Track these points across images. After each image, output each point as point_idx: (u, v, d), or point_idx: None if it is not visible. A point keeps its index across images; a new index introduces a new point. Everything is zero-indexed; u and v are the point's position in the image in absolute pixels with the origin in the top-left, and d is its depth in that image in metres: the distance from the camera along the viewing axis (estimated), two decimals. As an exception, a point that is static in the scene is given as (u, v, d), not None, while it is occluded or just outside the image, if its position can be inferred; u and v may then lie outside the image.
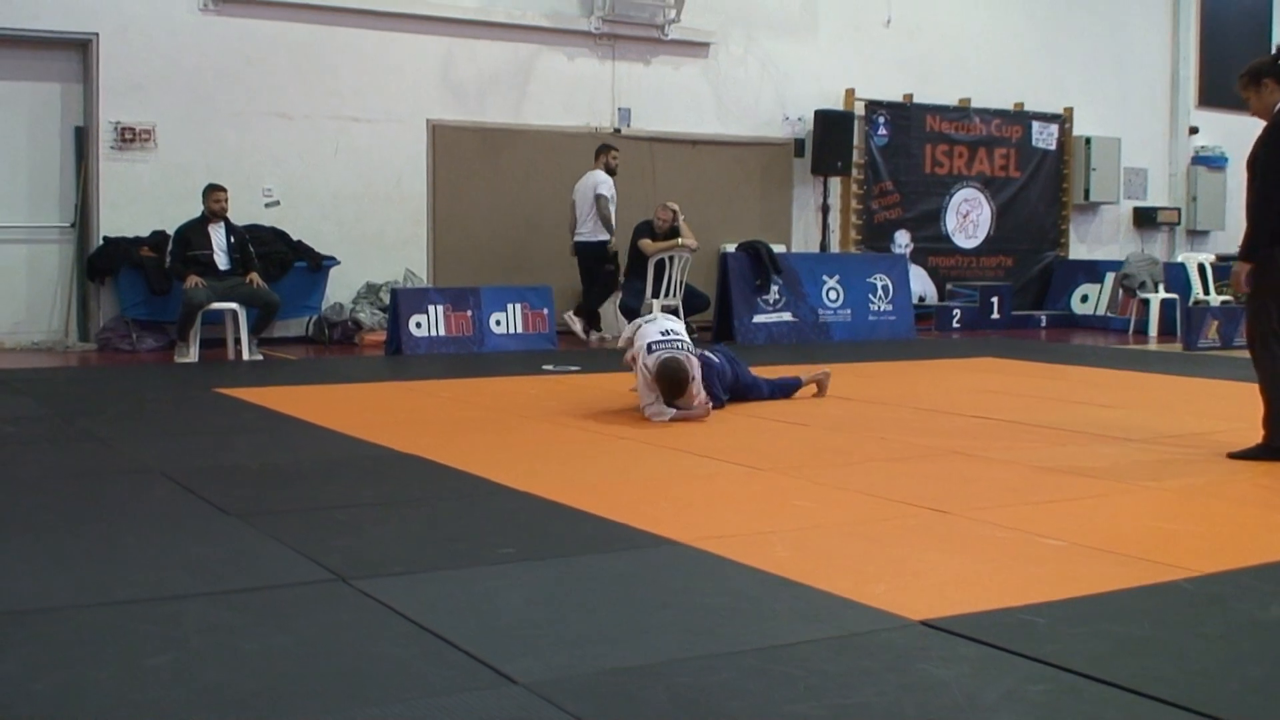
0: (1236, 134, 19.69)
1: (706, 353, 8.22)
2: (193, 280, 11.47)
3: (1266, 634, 3.67)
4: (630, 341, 8.04)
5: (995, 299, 16.59)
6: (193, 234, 11.75)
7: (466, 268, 14.27)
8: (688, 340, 7.91)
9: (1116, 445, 6.96)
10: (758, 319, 14.03)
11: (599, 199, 13.72)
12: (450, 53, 14.37)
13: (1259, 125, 6.45)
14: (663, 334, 7.77)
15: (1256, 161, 6.34)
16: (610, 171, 13.95)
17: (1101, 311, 17.07)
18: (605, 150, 14.14)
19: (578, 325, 13.89)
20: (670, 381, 7.49)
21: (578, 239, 13.96)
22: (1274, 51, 6.51)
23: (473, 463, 6.17)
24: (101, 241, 12.66)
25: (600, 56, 15.23)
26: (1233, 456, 6.43)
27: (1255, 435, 6.53)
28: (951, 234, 17.66)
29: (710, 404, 7.80)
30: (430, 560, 4.37)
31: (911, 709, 3.00)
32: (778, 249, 14.78)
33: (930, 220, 17.43)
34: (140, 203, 12.81)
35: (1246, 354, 12.54)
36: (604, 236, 13.79)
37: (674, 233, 13.47)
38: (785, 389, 8.74)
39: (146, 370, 10.97)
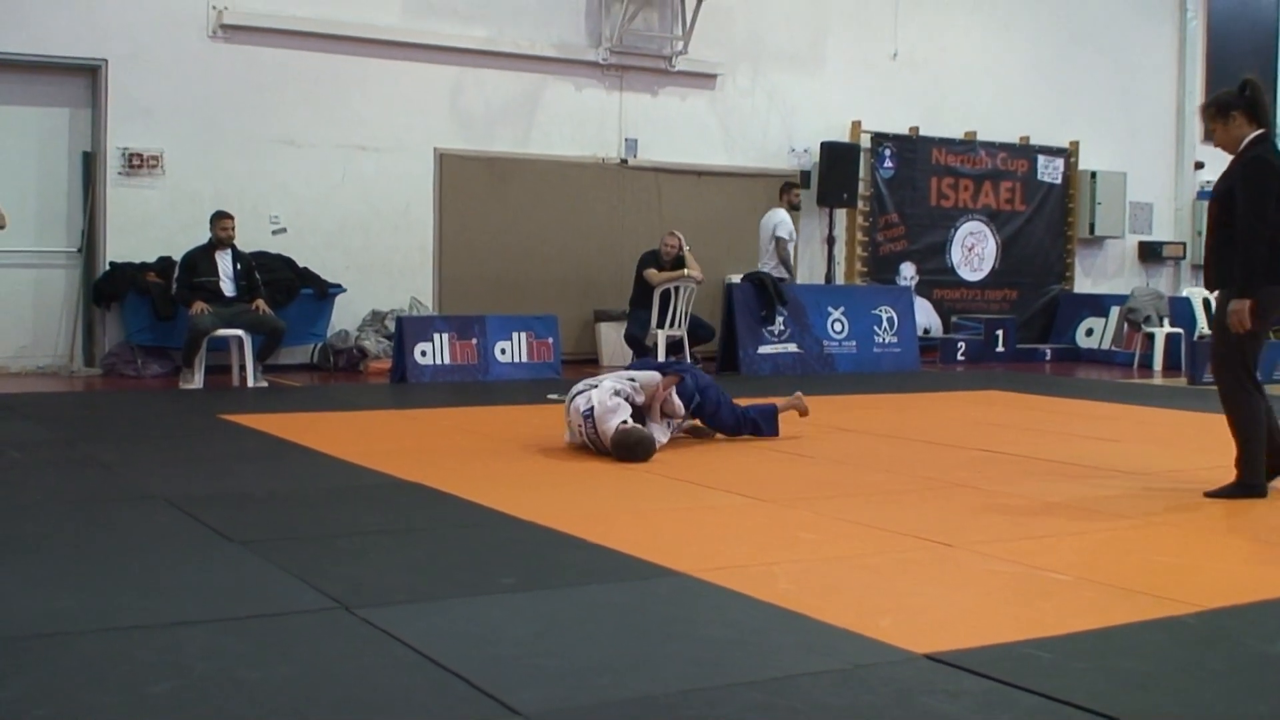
0: (1242, 169, 19.75)
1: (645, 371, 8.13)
2: (198, 306, 11.48)
3: (1272, 670, 3.66)
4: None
5: (1000, 332, 16.58)
6: (199, 260, 11.77)
7: (472, 296, 14.28)
8: (600, 385, 7.67)
9: (1121, 479, 6.94)
10: (763, 350, 14.02)
11: (777, 240, 14.31)
12: (458, 82, 14.42)
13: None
14: (585, 403, 7.56)
15: (1227, 198, 6.26)
16: (793, 208, 14.62)
17: (1106, 345, 17.06)
18: (788, 189, 14.80)
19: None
20: (628, 451, 7.32)
21: (762, 271, 14.59)
22: (1240, 85, 6.39)
23: (476, 491, 6.16)
24: (108, 267, 12.68)
25: (608, 87, 15.28)
26: (1209, 495, 6.34)
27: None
28: (957, 267, 17.66)
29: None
30: (433, 589, 4.36)
31: (915, 743, 2.99)
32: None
33: (935, 253, 17.44)
34: (147, 228, 12.83)
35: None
36: (783, 275, 14.37)
37: (680, 262, 13.48)
38: (768, 418, 8.44)
39: (151, 396, 10.97)
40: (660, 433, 7.68)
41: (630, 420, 7.39)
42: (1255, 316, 6.16)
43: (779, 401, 8.69)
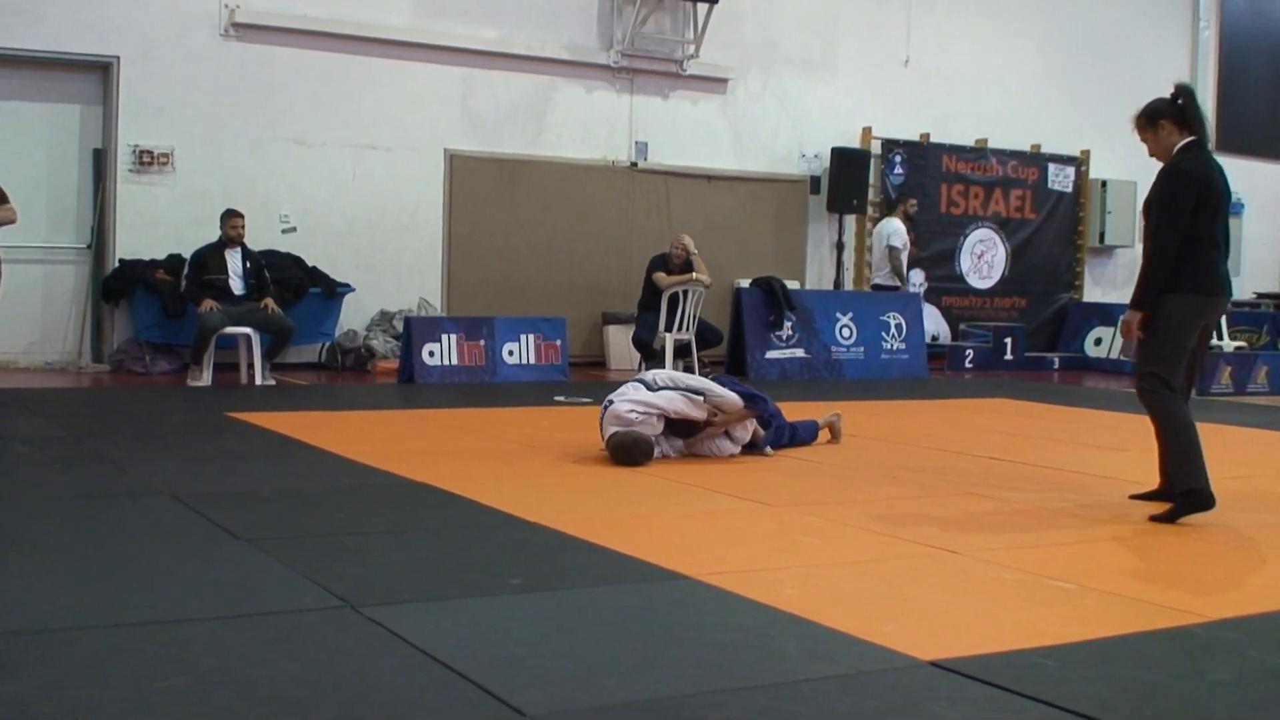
0: (1252, 180, 19.73)
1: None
2: (208, 304, 11.50)
3: (1277, 681, 3.65)
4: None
5: (1009, 340, 16.57)
6: (209, 258, 11.79)
7: (480, 297, 14.30)
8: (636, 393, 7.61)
9: (1127, 489, 6.93)
10: (770, 355, 14.03)
11: (890, 250, 14.76)
12: (469, 83, 14.44)
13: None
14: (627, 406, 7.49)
15: (1150, 207, 6.18)
16: (907, 219, 14.97)
17: (1115, 355, 17.04)
18: (903, 199, 15.34)
19: None
20: (624, 455, 7.30)
21: (874, 281, 15.16)
22: (1173, 93, 6.25)
23: (483, 492, 6.17)
24: (117, 264, 12.70)
25: (618, 90, 15.29)
26: (1154, 519, 5.99)
27: (1264, 482, 6.51)
28: (966, 274, 17.65)
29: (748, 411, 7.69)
30: (439, 589, 4.37)
31: (919, 750, 2.99)
32: (792, 285, 14.79)
33: (945, 260, 17.43)
34: (157, 226, 12.86)
35: (1260, 400, 12.56)
36: (895, 283, 14.79)
37: (689, 266, 13.48)
38: (807, 434, 8.37)
39: (159, 393, 10.99)
40: (714, 446, 7.65)
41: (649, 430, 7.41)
42: (1150, 328, 6.05)
43: (819, 418, 8.55)
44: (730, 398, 7.58)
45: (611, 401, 7.50)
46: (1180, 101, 6.21)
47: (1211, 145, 6.36)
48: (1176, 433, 6.07)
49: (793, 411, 8.77)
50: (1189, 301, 6.04)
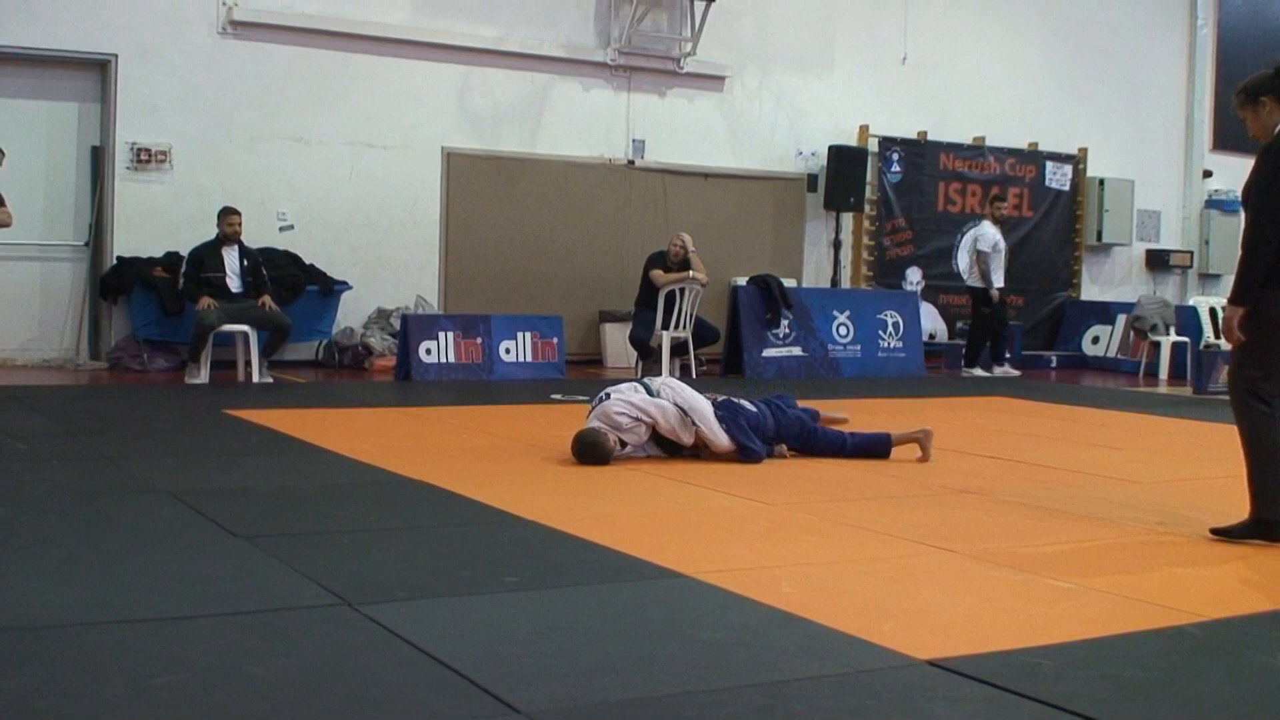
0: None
1: (734, 399, 7.72)
2: (205, 302, 11.50)
3: (1274, 681, 3.66)
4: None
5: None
6: (206, 256, 11.79)
7: (478, 295, 14.30)
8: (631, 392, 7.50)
9: (1125, 488, 6.94)
10: (767, 353, 14.03)
11: (978, 254, 15.01)
12: (466, 81, 14.44)
13: None
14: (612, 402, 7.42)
15: (1250, 192, 5.61)
16: (997, 221, 15.15)
17: (1112, 353, 17.05)
18: (992, 201, 15.57)
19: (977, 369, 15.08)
20: (582, 451, 7.24)
21: (967, 283, 15.47)
22: (1276, 68, 5.63)
23: (479, 490, 6.17)
24: (115, 261, 12.70)
25: (615, 88, 15.29)
26: (1215, 534, 5.63)
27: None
28: (963, 272, 17.64)
29: (727, 446, 7.40)
30: (436, 586, 4.37)
31: (916, 748, 2.99)
32: (789, 283, 14.79)
33: (942, 258, 17.43)
34: (154, 223, 12.85)
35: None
36: (983, 285, 14.98)
37: (686, 264, 13.48)
38: (873, 447, 7.79)
39: (157, 390, 10.99)
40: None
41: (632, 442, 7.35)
42: (1249, 327, 5.48)
43: (895, 432, 7.95)
44: (720, 441, 7.35)
45: (608, 395, 7.48)
46: None
47: None
48: (1259, 457, 5.52)
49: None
50: None
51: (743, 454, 7.39)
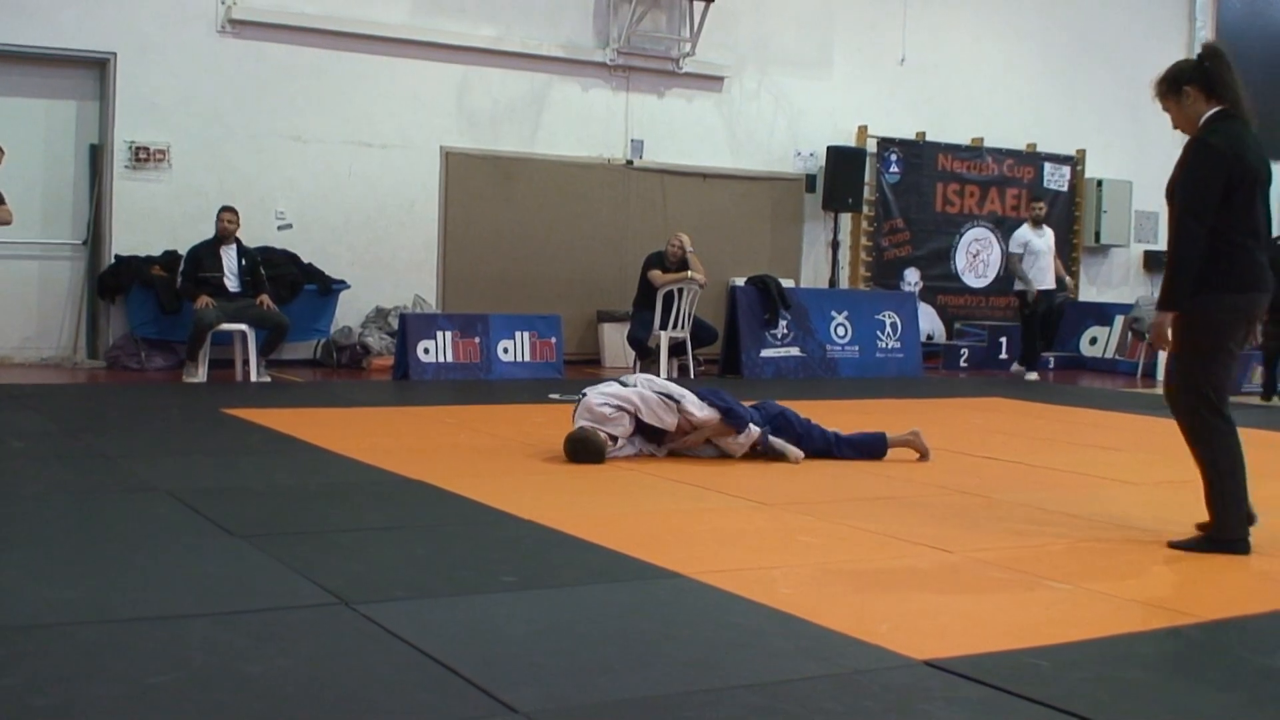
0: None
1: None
2: (203, 301, 11.49)
3: (1272, 682, 3.66)
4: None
5: (1004, 339, 16.57)
6: (204, 255, 11.79)
7: (476, 295, 14.30)
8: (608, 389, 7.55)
9: (1122, 489, 6.94)
10: (765, 353, 14.03)
11: (1010, 255, 15.16)
12: (465, 81, 14.44)
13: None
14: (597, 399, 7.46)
15: (1174, 189, 5.34)
16: (1035, 223, 15.14)
17: (1110, 354, 17.05)
18: (1030, 204, 15.67)
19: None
20: (575, 450, 7.25)
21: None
22: (1199, 55, 5.39)
23: (477, 490, 6.17)
24: (113, 260, 12.70)
25: (614, 88, 15.29)
26: (1173, 546, 5.41)
27: (1257, 483, 6.46)
28: (961, 273, 17.66)
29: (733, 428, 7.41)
30: (433, 586, 4.37)
31: (913, 748, 2.99)
32: (787, 284, 14.79)
33: (940, 259, 17.44)
34: (153, 222, 12.85)
35: (1252, 400, 12.55)
36: (1020, 287, 15.09)
37: (685, 264, 13.48)
38: (868, 446, 7.76)
39: (155, 389, 10.99)
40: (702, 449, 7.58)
41: (616, 433, 7.35)
42: (1189, 334, 5.25)
43: (890, 434, 7.86)
44: (704, 414, 7.35)
45: (585, 394, 7.52)
46: (1208, 64, 5.34)
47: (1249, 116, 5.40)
48: (1221, 476, 5.33)
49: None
50: (1228, 301, 5.24)
51: (729, 418, 7.38)
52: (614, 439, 7.32)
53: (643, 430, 7.45)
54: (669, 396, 7.42)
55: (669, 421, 7.40)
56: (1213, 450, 5.34)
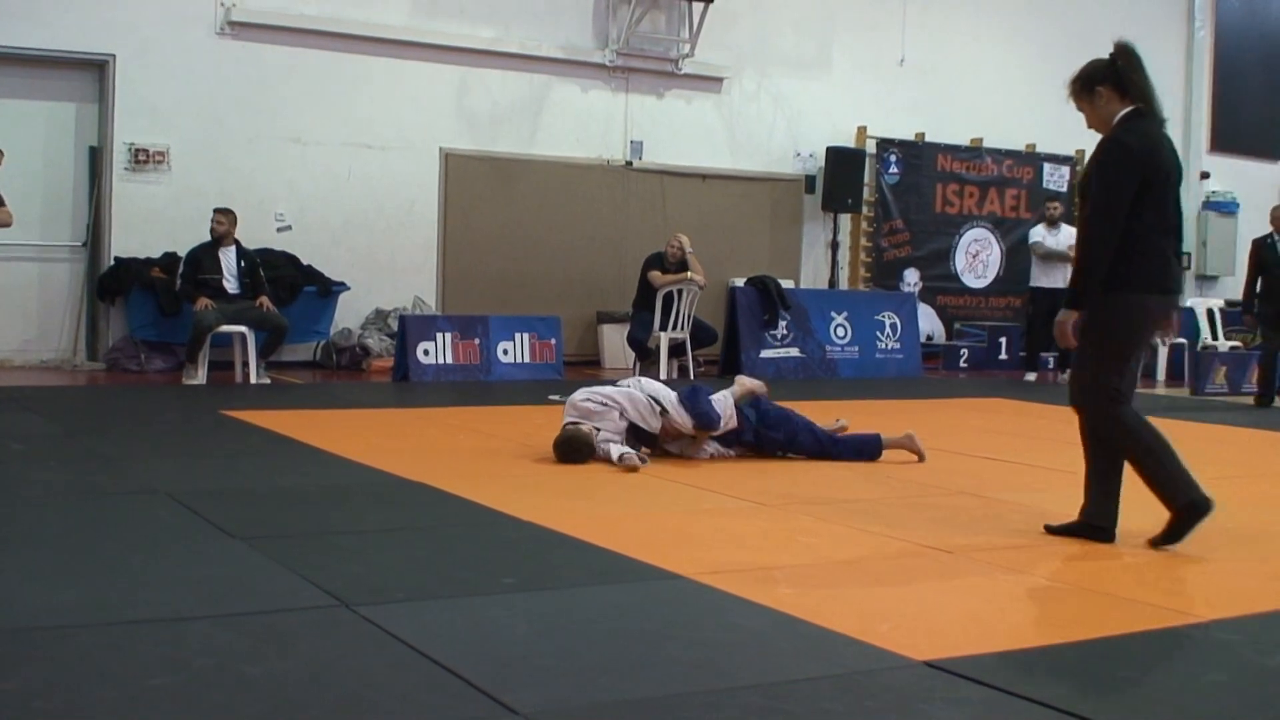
0: (1248, 179, 19.75)
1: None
2: (203, 303, 11.49)
3: (1272, 682, 3.66)
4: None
5: (1003, 339, 16.56)
6: (203, 257, 11.78)
7: (475, 296, 14.30)
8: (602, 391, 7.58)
9: (1123, 489, 6.93)
10: (765, 354, 14.03)
11: (1033, 245, 15.11)
12: (464, 82, 14.44)
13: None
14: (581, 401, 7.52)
15: (1087, 188, 5.37)
16: (1050, 223, 15.15)
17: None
18: (1047, 203, 15.67)
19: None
20: (564, 451, 7.28)
21: None
22: (1111, 54, 5.46)
23: (477, 491, 6.16)
24: (112, 262, 12.69)
25: (614, 89, 15.29)
26: (1152, 544, 5.35)
27: (1258, 482, 6.48)
28: (961, 273, 17.66)
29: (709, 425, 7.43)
30: (433, 588, 4.37)
31: (914, 749, 2.99)
32: (786, 284, 14.79)
33: (940, 259, 17.44)
34: (152, 224, 12.84)
35: (1251, 400, 12.55)
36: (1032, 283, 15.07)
37: (684, 265, 13.48)
38: (863, 448, 7.74)
39: (154, 391, 10.98)
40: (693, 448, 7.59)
41: (612, 436, 7.35)
42: (1094, 333, 5.26)
43: (885, 435, 7.82)
44: (683, 421, 7.37)
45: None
46: (1120, 64, 5.40)
47: (1163, 114, 5.47)
48: (1151, 451, 5.31)
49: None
50: (1140, 301, 5.24)
51: (701, 421, 7.38)
52: (598, 432, 7.32)
53: (632, 429, 7.47)
54: (656, 401, 7.45)
55: (654, 425, 7.45)
56: (1129, 435, 5.32)
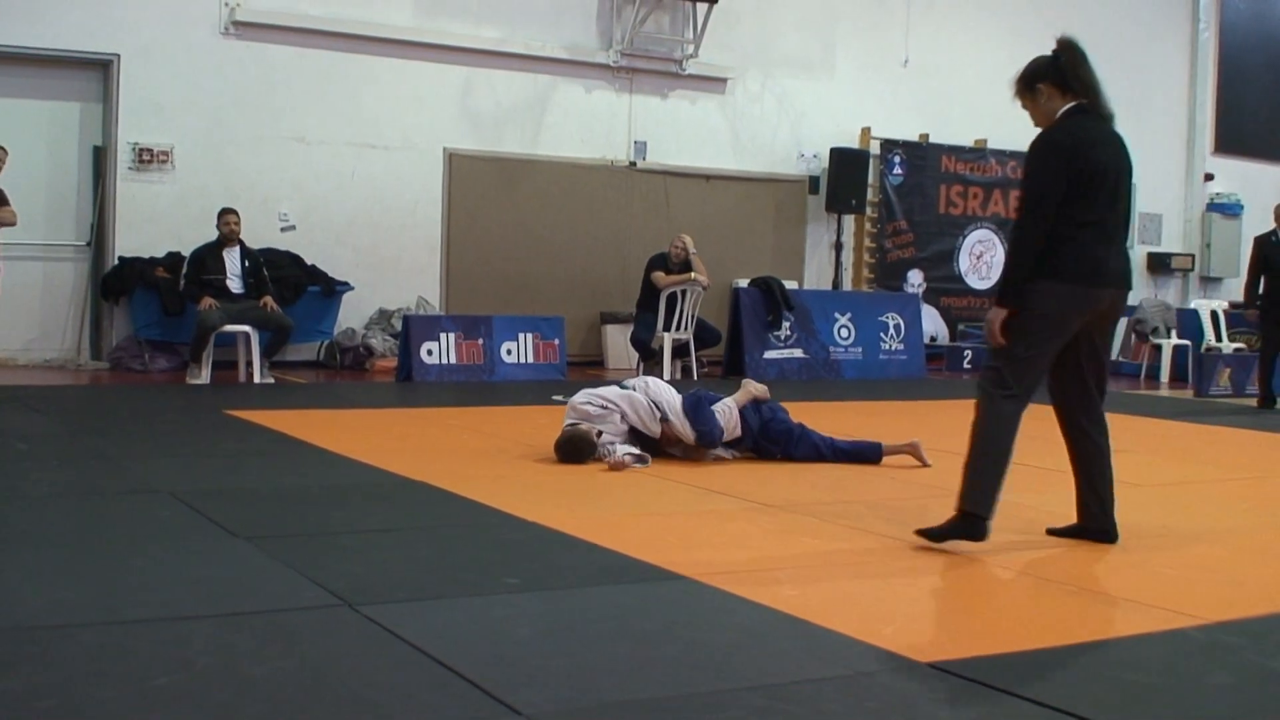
0: (1252, 181, 19.73)
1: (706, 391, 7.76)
2: (207, 302, 11.49)
3: (1276, 684, 3.65)
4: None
5: (1006, 341, 16.50)
6: (208, 257, 11.79)
7: (479, 296, 14.30)
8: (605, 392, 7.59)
9: (1126, 490, 6.92)
10: (768, 355, 14.02)
11: None
12: (469, 82, 14.44)
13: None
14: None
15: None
16: None
17: (1114, 356, 16.98)
18: None
19: None
20: (565, 451, 7.30)
21: None
22: (1053, 50, 5.44)
23: (480, 491, 6.16)
24: (116, 261, 12.70)
25: (618, 90, 15.29)
26: (919, 533, 5.27)
27: (1261, 484, 6.48)
28: (964, 274, 17.65)
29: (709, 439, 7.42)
30: (436, 588, 4.37)
31: (917, 751, 2.99)
32: (790, 285, 14.79)
33: (943, 260, 17.43)
34: (156, 224, 12.85)
35: (1255, 403, 12.53)
36: None
37: (688, 266, 13.48)
38: (862, 454, 7.70)
39: (158, 391, 10.99)
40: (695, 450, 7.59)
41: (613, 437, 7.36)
42: (1009, 330, 5.14)
43: (887, 442, 7.80)
44: (686, 432, 7.37)
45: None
46: (1062, 59, 5.39)
47: (1109, 109, 5.49)
48: (989, 453, 5.16)
49: (796, 413, 8.76)
50: (1058, 290, 5.11)
51: (703, 440, 7.38)
52: (599, 434, 7.32)
53: (633, 432, 7.47)
54: (658, 406, 7.43)
55: (653, 430, 7.45)
56: (983, 425, 5.18)
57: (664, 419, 7.41)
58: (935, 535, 5.19)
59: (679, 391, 7.67)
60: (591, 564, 4.79)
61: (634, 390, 7.54)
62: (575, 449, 7.24)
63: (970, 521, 5.10)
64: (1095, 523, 5.43)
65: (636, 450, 7.29)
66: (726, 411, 7.50)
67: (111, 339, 12.90)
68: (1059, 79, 5.35)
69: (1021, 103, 5.50)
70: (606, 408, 7.38)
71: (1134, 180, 5.41)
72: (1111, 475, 5.43)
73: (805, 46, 16.44)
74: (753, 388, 7.74)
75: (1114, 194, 5.26)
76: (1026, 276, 5.12)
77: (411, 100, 14.12)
